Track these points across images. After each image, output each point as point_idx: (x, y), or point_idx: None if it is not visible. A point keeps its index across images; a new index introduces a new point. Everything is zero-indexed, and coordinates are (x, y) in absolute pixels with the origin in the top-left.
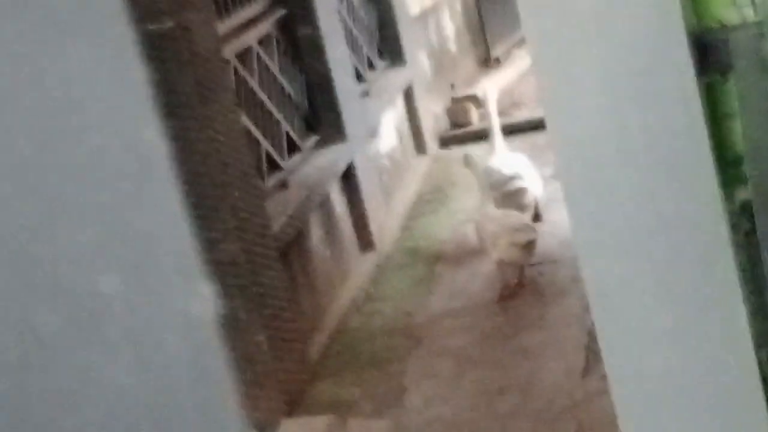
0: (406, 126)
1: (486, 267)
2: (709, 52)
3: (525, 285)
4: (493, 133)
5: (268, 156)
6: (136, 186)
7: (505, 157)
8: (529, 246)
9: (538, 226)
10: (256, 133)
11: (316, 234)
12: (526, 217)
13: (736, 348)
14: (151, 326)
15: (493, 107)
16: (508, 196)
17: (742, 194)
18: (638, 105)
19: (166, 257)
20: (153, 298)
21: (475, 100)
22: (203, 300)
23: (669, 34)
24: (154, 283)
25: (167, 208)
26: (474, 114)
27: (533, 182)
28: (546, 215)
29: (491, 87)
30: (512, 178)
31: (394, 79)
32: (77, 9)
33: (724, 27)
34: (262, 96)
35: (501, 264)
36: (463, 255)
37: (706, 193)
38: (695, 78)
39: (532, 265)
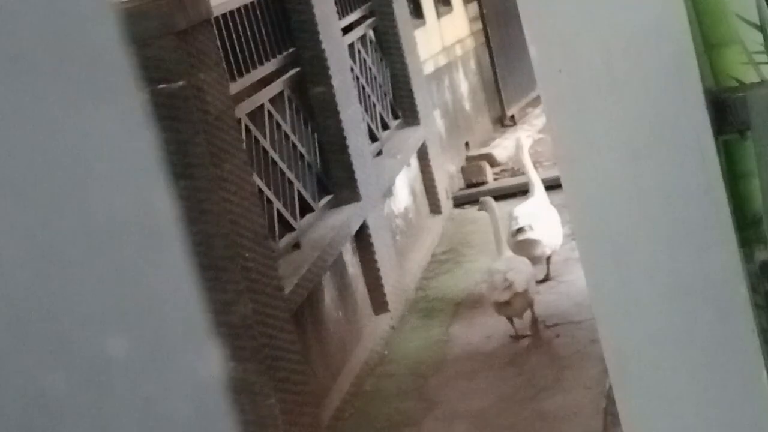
0: (419, 185)
1: (502, 327)
2: (726, 111)
3: (537, 333)
4: (532, 182)
5: (281, 216)
6: (144, 248)
7: (533, 206)
8: (508, 304)
9: (551, 283)
10: (268, 193)
11: (329, 295)
12: (523, 274)
13: (757, 411)
14: (158, 390)
15: (526, 157)
16: (520, 245)
17: (762, 254)
18: (655, 164)
19: (175, 320)
20: (161, 361)
21: (489, 158)
22: (212, 363)
23: (686, 93)
24: (162, 346)
25: (176, 270)
26: (489, 173)
27: (548, 235)
28: (563, 275)
29: (525, 135)
30: (523, 228)
31: (408, 137)
32: (85, 70)
33: (741, 85)
34: (274, 155)
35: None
36: (478, 316)
37: (725, 253)
38: (713, 137)
39: (549, 326)
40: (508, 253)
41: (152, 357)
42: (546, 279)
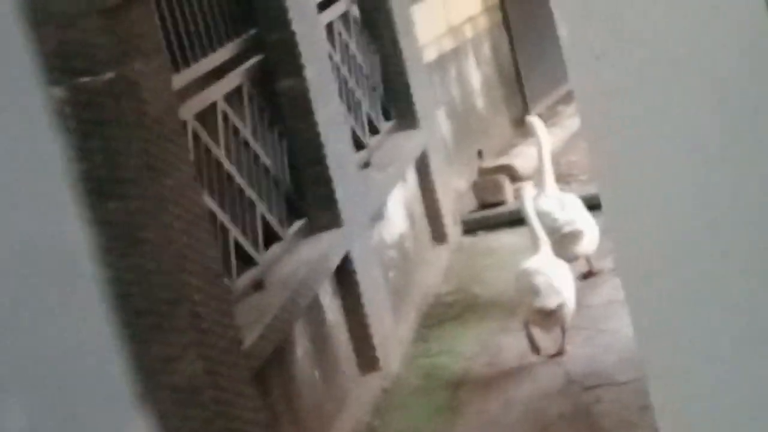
0: (419, 206)
1: (527, 390)
2: None
3: (563, 352)
4: (544, 171)
5: (239, 247)
6: (53, 292)
7: (556, 198)
8: (551, 314)
9: (589, 333)
10: (223, 218)
11: (302, 349)
12: (567, 278)
13: None
14: None
15: (545, 139)
16: (561, 240)
17: None
18: (729, 176)
19: (90, 384)
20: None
21: (509, 170)
22: None
23: (759, 89)
24: (74, 419)
25: (93, 320)
26: (508, 190)
27: (588, 227)
28: (604, 322)
29: (538, 120)
30: (565, 221)
31: (404, 145)
32: None
33: None
34: (231, 169)
35: (526, 326)
36: (495, 376)
37: None
38: None
39: (588, 388)
40: (547, 249)
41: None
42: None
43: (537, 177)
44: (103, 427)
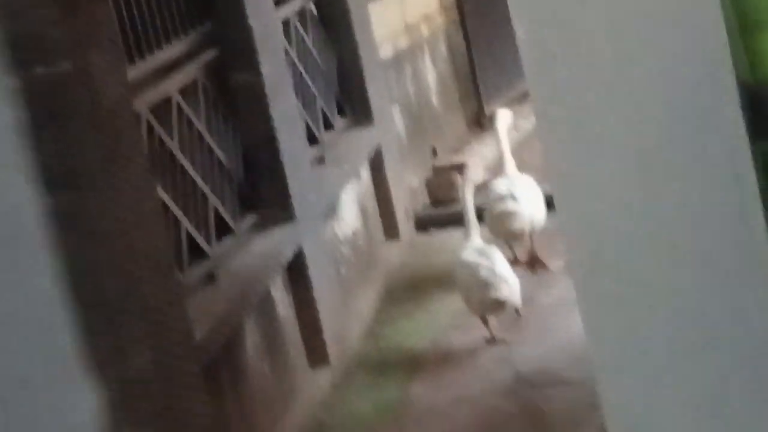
0: (372, 203)
1: (478, 386)
2: (766, 110)
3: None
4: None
5: (191, 240)
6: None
7: (510, 180)
8: (505, 302)
9: (538, 334)
10: (176, 210)
11: (252, 343)
12: (507, 265)
13: None
14: None
15: (504, 134)
16: (497, 218)
17: None
18: (675, 179)
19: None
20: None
21: (463, 169)
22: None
23: (715, 87)
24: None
25: (43, 303)
26: (461, 188)
27: (532, 209)
28: (553, 321)
29: (504, 111)
30: (504, 197)
31: (358, 141)
32: None
33: None
34: (185, 161)
35: (483, 320)
36: (446, 373)
37: (764, 295)
38: (748, 143)
39: (538, 387)
40: (476, 236)
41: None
42: (535, 263)
43: (498, 163)
44: (51, 394)
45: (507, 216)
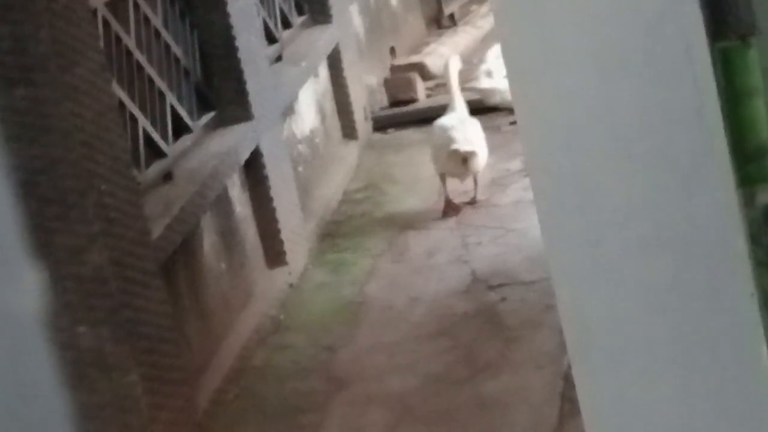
0: (330, 102)
1: (433, 287)
2: (725, 10)
3: (475, 202)
4: (453, 100)
5: (148, 138)
6: None
7: (459, 119)
8: (465, 161)
9: (496, 232)
10: (132, 108)
11: (209, 242)
12: (479, 133)
13: (755, 395)
14: None
15: (455, 83)
16: (452, 156)
17: (767, 197)
18: (632, 79)
19: None
20: None
21: (421, 69)
22: (27, 292)
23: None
24: None
25: None
26: (420, 88)
27: (481, 151)
28: (511, 222)
29: (454, 58)
30: (460, 140)
31: (316, 40)
32: None
33: None
34: (141, 58)
35: (443, 177)
36: (402, 273)
37: (718, 194)
38: (707, 43)
39: (494, 287)
40: (462, 108)
41: None
42: (473, 201)
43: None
44: None
45: (453, 148)
